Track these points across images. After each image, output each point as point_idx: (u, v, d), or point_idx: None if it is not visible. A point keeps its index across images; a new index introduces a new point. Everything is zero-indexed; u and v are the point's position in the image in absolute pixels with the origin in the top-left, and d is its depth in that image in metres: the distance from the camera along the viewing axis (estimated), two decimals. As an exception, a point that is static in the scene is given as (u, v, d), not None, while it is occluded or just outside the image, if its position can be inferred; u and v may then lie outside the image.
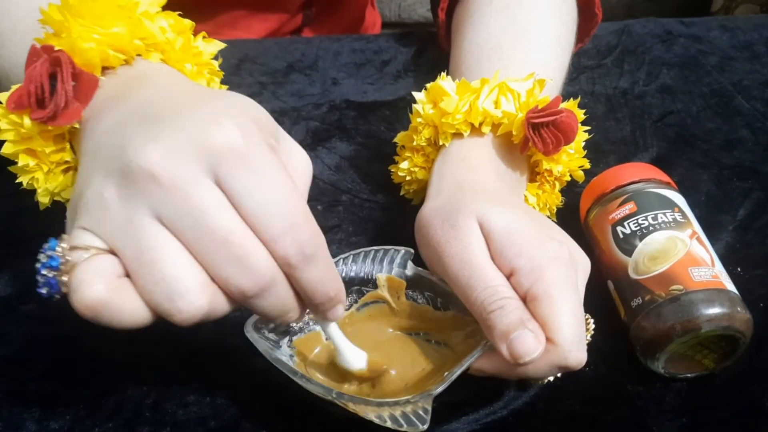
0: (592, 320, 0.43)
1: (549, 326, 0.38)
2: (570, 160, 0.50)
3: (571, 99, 0.50)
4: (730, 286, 0.43)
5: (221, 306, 0.33)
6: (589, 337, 0.42)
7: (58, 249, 0.32)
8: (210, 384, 0.44)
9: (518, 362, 0.38)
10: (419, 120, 0.50)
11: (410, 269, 0.46)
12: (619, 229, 0.47)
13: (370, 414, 0.37)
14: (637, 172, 0.49)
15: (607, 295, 0.47)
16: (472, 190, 0.45)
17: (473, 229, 0.41)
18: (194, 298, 0.31)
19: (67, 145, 0.40)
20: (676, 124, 0.64)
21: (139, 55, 0.41)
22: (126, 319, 0.32)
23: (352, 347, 0.41)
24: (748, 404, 0.44)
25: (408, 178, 0.53)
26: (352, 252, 0.46)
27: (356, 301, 0.47)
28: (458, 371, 0.40)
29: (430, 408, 0.38)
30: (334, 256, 0.49)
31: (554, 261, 0.39)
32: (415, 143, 0.51)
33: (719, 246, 0.52)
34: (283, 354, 0.42)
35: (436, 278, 0.45)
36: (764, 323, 0.46)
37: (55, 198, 0.42)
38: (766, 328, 0.46)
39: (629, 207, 0.47)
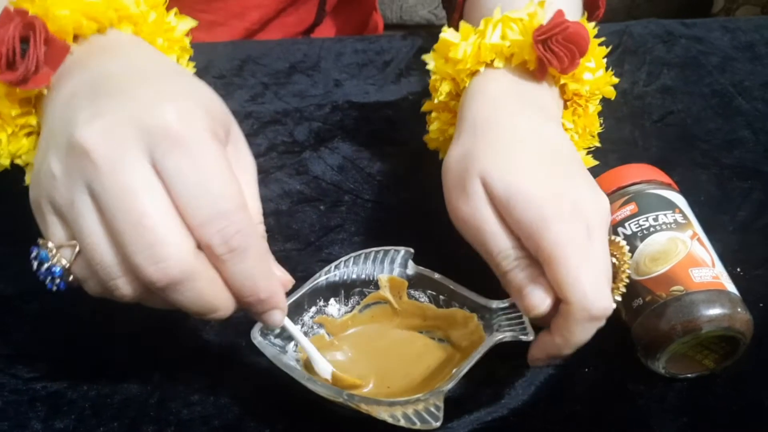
0: (627, 247, 0.42)
1: (560, 287, 0.38)
2: (595, 77, 0.49)
3: (579, 17, 0.49)
4: (731, 287, 0.44)
5: (129, 294, 0.33)
6: (628, 271, 0.42)
7: (50, 254, 0.34)
8: (214, 383, 0.45)
9: (531, 314, 0.40)
10: (435, 77, 0.50)
11: (411, 269, 0.46)
12: (620, 230, 0.47)
13: (383, 414, 0.38)
14: (637, 173, 0.49)
15: (608, 295, 0.47)
16: (485, 136, 0.44)
17: (479, 193, 0.41)
18: (90, 286, 0.34)
19: (33, 110, 0.40)
20: (677, 125, 0.64)
21: (111, 25, 0.41)
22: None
23: (320, 357, 0.43)
24: (748, 404, 0.44)
25: (442, 138, 0.53)
26: (353, 254, 0.46)
27: (359, 303, 0.47)
28: (466, 367, 0.40)
29: (442, 405, 0.38)
30: (336, 256, 0.49)
31: (552, 222, 0.39)
32: (436, 101, 0.51)
33: (719, 246, 0.52)
34: (290, 358, 0.42)
35: (438, 276, 0.46)
36: (764, 324, 0.46)
37: (16, 161, 0.42)
38: (767, 329, 0.46)
39: (630, 208, 0.47)
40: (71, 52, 0.38)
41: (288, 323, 0.41)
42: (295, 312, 0.45)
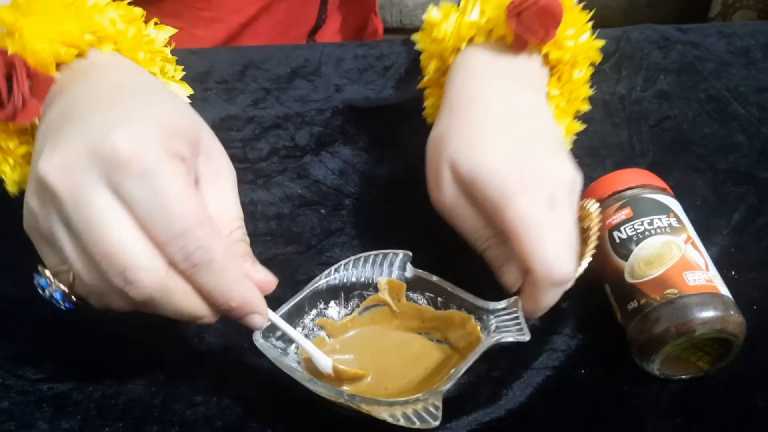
0: (597, 211, 0.44)
1: (523, 259, 0.40)
2: (577, 44, 0.50)
3: None
4: (724, 290, 0.44)
5: (124, 306, 0.36)
6: (596, 229, 0.44)
7: (49, 282, 0.36)
8: (217, 384, 0.45)
9: (510, 291, 0.43)
10: (423, 55, 0.53)
11: (409, 271, 0.47)
12: (615, 233, 0.48)
13: (383, 413, 0.39)
14: (633, 178, 0.50)
15: (604, 298, 0.48)
16: (458, 118, 0.46)
17: (448, 179, 0.44)
18: (94, 302, 0.37)
19: (30, 139, 0.42)
20: (673, 129, 0.64)
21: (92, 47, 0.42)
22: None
23: (318, 352, 0.43)
24: (741, 405, 0.45)
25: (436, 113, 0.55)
26: (353, 257, 0.47)
27: (358, 306, 0.48)
28: (464, 368, 0.41)
29: (440, 404, 0.39)
30: (337, 259, 0.50)
31: (512, 198, 0.41)
32: (426, 78, 0.54)
33: (714, 249, 0.53)
34: (291, 360, 0.43)
35: (436, 279, 0.46)
36: (757, 326, 0.47)
37: (22, 187, 0.43)
38: (759, 331, 0.47)
39: (626, 212, 0.48)
40: (55, 81, 0.40)
41: (283, 324, 0.42)
42: (296, 314, 0.45)
